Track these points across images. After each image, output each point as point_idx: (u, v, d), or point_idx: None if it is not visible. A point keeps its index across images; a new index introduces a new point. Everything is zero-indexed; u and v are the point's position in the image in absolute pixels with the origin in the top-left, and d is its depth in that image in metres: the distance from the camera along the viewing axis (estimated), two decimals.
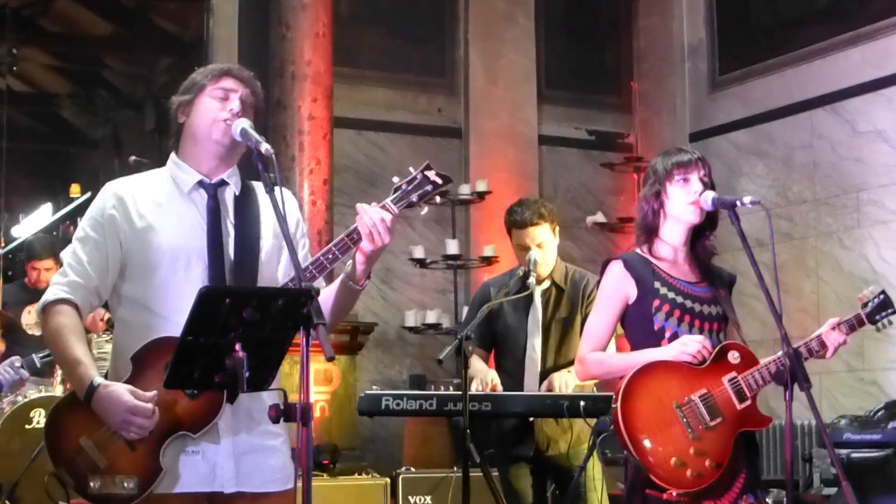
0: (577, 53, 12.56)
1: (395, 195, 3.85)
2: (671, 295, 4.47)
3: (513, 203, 6.10)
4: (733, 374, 4.36)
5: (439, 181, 3.89)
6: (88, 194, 14.19)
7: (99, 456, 3.63)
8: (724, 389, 4.33)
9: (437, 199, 3.98)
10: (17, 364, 6.63)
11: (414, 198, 3.85)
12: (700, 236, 4.58)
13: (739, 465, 4.36)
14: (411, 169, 3.90)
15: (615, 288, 4.55)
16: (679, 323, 4.46)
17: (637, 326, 4.53)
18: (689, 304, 4.48)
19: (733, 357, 4.39)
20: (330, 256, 3.77)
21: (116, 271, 3.83)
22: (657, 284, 4.48)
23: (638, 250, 4.59)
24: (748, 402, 4.34)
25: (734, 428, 4.31)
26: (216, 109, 3.84)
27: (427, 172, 3.89)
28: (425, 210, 3.91)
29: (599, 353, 4.56)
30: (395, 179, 3.88)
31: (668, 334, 4.44)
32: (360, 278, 3.86)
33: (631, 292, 4.52)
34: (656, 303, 4.47)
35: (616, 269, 4.56)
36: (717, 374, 4.35)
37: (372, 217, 3.73)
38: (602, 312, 4.60)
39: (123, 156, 14.39)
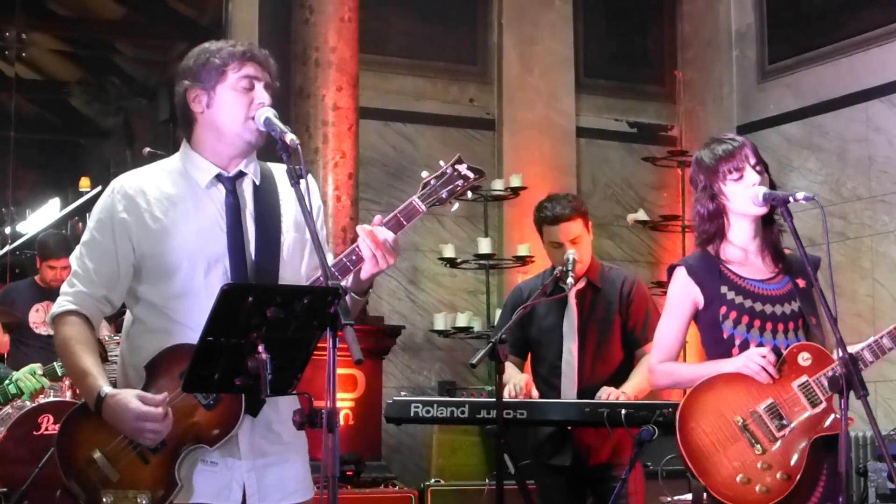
0: (617, 39, 12.51)
1: (423, 191, 3.84)
2: (739, 300, 4.45)
3: (542, 200, 6.11)
4: (804, 377, 4.35)
5: (471, 175, 3.88)
6: (99, 188, 14.26)
7: (111, 469, 3.65)
8: (793, 395, 4.32)
9: (469, 194, 3.98)
10: (39, 372, 6.73)
11: (444, 194, 3.85)
12: (769, 221, 4.54)
13: (817, 473, 4.35)
14: (441, 163, 3.90)
15: (682, 295, 4.55)
16: (748, 329, 4.44)
17: (707, 333, 4.55)
18: (758, 307, 4.45)
19: (803, 359, 4.37)
20: (354, 258, 3.76)
21: (129, 276, 3.82)
22: (724, 289, 4.47)
23: (708, 248, 4.57)
24: (822, 406, 4.32)
25: (807, 435, 4.30)
26: (244, 105, 3.78)
27: (458, 166, 3.88)
28: (455, 206, 3.90)
29: (669, 363, 4.57)
30: (424, 174, 3.88)
31: (738, 342, 4.44)
32: (364, 290, 3.87)
33: (698, 299, 4.52)
34: (723, 310, 4.46)
35: (680, 276, 4.56)
36: (786, 380, 4.34)
37: (376, 240, 3.71)
38: (670, 320, 4.61)
39: (136, 147, 14.42)
